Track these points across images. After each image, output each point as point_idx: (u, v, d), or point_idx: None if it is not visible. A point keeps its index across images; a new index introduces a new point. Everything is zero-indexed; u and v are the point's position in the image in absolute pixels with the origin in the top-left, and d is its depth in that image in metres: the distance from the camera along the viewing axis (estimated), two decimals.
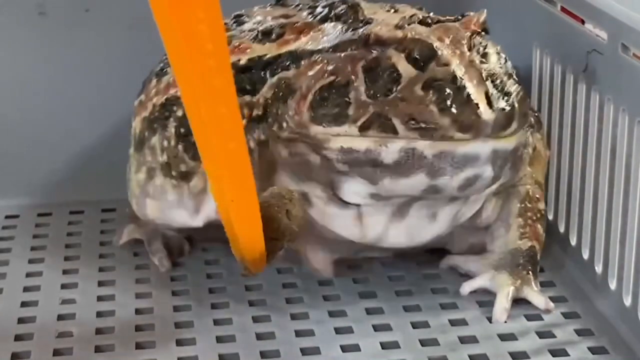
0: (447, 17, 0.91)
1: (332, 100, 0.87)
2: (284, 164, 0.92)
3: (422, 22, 0.89)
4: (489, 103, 0.84)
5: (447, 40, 0.86)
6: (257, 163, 0.91)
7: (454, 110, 0.84)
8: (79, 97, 1.18)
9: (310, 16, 0.97)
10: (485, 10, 0.90)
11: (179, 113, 0.97)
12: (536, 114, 1.01)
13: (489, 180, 0.88)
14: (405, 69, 0.86)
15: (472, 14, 0.90)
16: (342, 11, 0.95)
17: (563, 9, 1.00)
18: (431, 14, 0.95)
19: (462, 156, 0.85)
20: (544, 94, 1.04)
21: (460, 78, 0.84)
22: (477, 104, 0.84)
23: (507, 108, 0.85)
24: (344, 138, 0.87)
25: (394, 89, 0.85)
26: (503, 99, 0.85)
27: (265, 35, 0.97)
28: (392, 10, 0.96)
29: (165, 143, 0.99)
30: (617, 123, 0.90)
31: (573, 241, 1.00)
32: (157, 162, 1.00)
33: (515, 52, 1.09)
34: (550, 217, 1.04)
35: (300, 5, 1.02)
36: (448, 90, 0.84)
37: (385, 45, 0.87)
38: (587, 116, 0.96)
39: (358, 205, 0.92)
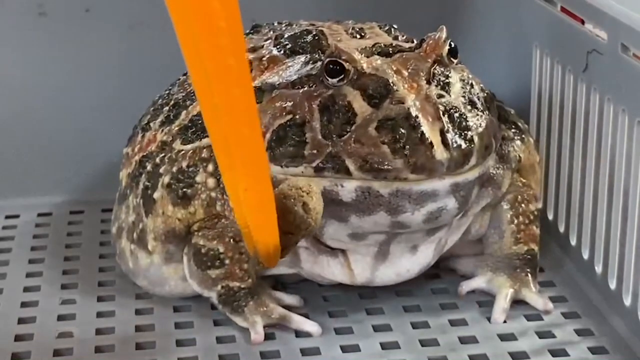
0: (410, 45, 0.89)
1: (289, 139, 0.86)
2: None
3: (382, 52, 0.87)
4: (444, 141, 0.82)
5: (406, 73, 0.84)
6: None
7: (406, 151, 0.82)
8: (79, 97, 1.17)
9: (276, 48, 0.96)
10: (444, 27, 0.87)
11: (149, 168, 0.95)
12: (518, 125, 0.98)
13: (455, 210, 0.87)
14: (360, 107, 0.84)
15: (432, 35, 0.87)
16: (306, 42, 0.94)
17: (563, 9, 1.00)
18: (397, 37, 0.94)
19: (419, 194, 0.84)
20: (544, 94, 1.04)
21: (415, 116, 0.82)
22: (431, 144, 0.82)
23: (465, 144, 0.83)
24: (302, 178, 0.85)
25: (349, 129, 0.84)
26: (461, 135, 0.84)
27: None
28: (358, 36, 0.95)
29: (135, 201, 0.96)
30: (617, 123, 0.90)
31: (573, 241, 1.00)
32: (126, 222, 0.97)
33: (515, 52, 1.09)
34: (550, 217, 1.04)
35: (271, 33, 1.00)
36: (401, 130, 0.82)
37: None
38: (587, 116, 0.96)
39: (343, 251, 0.91)
